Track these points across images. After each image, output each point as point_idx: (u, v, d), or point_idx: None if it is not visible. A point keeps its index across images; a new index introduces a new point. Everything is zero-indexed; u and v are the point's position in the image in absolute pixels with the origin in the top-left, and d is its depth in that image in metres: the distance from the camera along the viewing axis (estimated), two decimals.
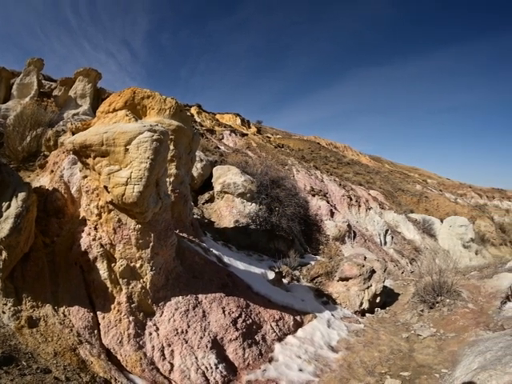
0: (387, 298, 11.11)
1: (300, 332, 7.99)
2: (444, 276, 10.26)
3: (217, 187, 13.99)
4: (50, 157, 8.55)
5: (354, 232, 18.10)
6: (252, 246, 12.15)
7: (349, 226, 17.75)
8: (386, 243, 19.50)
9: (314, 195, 18.95)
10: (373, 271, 10.66)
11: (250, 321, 7.19)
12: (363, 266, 10.60)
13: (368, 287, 10.36)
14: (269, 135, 38.85)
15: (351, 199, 21.32)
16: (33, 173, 8.91)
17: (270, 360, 6.81)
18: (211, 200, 14.04)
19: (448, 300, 9.52)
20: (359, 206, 21.29)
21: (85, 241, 5.99)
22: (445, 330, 8.34)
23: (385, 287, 10.95)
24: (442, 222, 24.27)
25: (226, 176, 14.04)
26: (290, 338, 7.67)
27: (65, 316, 5.36)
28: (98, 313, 5.73)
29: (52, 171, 7.70)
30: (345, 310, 9.79)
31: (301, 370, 6.63)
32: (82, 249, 5.92)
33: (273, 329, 7.51)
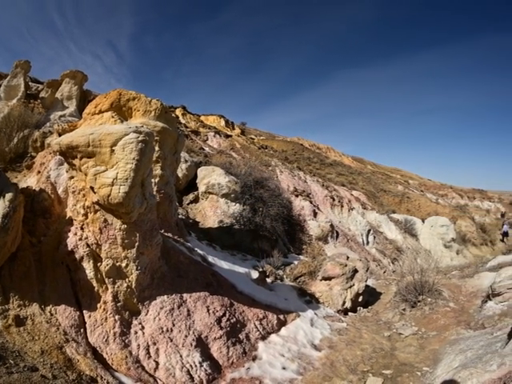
0: (369, 297, 11.31)
1: (283, 331, 8.13)
2: (425, 275, 10.50)
3: (201, 188, 14.07)
4: (37, 158, 8.55)
5: (337, 232, 18.31)
6: (236, 246, 12.27)
7: (332, 226, 17.96)
8: (368, 243, 19.74)
9: (297, 195, 19.13)
10: (355, 271, 10.84)
11: (234, 319, 7.30)
12: (346, 265, 10.77)
13: (350, 286, 10.54)
14: (252, 136, 38.97)
15: (334, 199, 21.55)
16: (20, 173, 8.89)
17: (254, 358, 6.93)
18: (196, 200, 14.12)
19: (429, 299, 9.74)
20: (342, 206, 21.52)
21: (71, 240, 6.04)
22: (426, 328, 8.55)
23: (367, 286, 11.16)
24: (423, 222, 24.60)
25: (211, 177, 14.12)
26: (273, 337, 7.79)
27: (51, 315, 5.41)
28: (85, 312, 5.79)
29: (39, 172, 7.71)
30: (328, 309, 9.95)
31: (284, 368, 6.77)
32: (69, 248, 5.98)
33: (256, 327, 7.63)
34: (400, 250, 20.57)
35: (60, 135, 6.32)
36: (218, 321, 6.93)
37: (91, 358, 5.28)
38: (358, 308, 10.59)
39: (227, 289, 8.17)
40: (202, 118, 35.95)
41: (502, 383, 5.21)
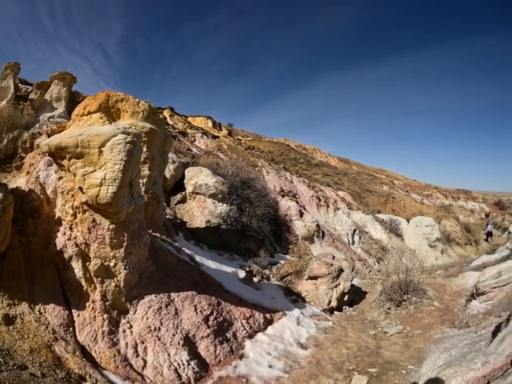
0: (355, 296, 11.49)
1: (270, 329, 8.25)
2: (410, 275, 10.70)
3: (189, 188, 14.12)
4: (27, 158, 8.55)
5: (323, 232, 18.49)
6: (223, 246, 12.36)
7: (317, 225, 18.13)
8: (353, 243, 19.95)
9: (283, 196, 19.27)
10: (341, 270, 10.99)
11: (222, 318, 7.40)
12: (331, 265, 10.91)
13: (336, 286, 10.68)
14: (240, 137, 39.02)
15: (320, 200, 21.72)
16: (9, 174, 8.87)
17: (241, 357, 7.04)
18: (183, 201, 14.17)
19: (414, 298, 9.94)
20: (328, 206, 21.71)
21: (60, 240, 6.09)
22: (411, 327, 8.73)
23: (353, 286, 11.34)
24: (408, 222, 24.86)
25: (198, 177, 14.19)
26: (260, 336, 7.91)
27: (41, 314, 5.46)
28: (73, 310, 5.85)
29: (28, 172, 7.71)
30: (314, 308, 10.09)
31: (271, 367, 6.89)
32: (58, 248, 6.03)
33: (243, 326, 7.74)
34: (385, 249, 20.81)
35: (49, 136, 6.36)
36: (206, 320, 7.03)
37: (80, 356, 5.35)
38: (344, 307, 10.74)
39: (214, 288, 8.27)
40: (190, 119, 35.91)
41: (486, 381, 5.38)
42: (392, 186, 36.15)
